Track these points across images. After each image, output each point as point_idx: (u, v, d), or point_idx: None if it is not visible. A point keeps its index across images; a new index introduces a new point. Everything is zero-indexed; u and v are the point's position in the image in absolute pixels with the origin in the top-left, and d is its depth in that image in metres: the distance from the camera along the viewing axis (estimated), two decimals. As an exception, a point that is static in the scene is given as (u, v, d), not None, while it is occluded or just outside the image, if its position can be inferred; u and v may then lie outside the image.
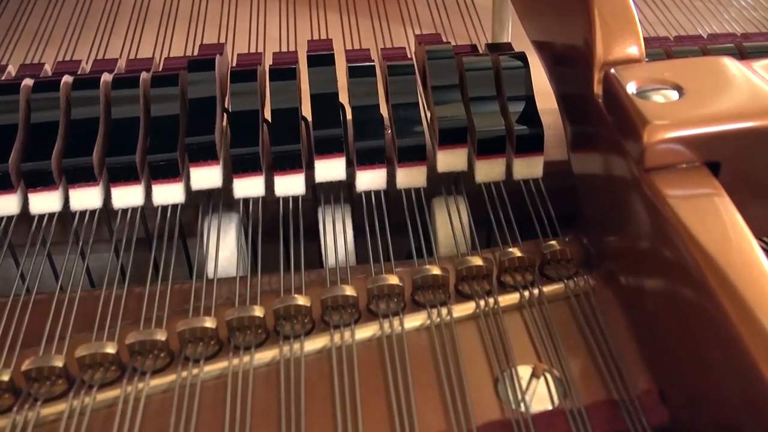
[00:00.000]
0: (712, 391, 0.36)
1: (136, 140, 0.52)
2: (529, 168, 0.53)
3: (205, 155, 0.51)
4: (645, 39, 0.47)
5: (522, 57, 0.55)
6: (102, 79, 0.54)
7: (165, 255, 0.51)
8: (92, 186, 0.51)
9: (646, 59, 0.46)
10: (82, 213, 0.52)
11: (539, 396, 0.40)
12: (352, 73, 0.55)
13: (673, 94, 0.42)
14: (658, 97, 0.42)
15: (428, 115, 0.56)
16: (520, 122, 0.53)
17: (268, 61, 0.57)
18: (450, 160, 0.54)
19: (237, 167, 0.52)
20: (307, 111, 0.54)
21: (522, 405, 0.40)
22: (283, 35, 0.75)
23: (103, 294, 0.47)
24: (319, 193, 0.55)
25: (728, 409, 0.35)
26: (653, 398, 0.40)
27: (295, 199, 0.53)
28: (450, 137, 0.53)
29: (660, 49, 0.58)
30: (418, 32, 0.62)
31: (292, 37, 0.74)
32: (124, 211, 0.52)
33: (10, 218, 0.52)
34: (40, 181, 0.51)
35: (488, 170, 0.53)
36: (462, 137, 0.53)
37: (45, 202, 0.51)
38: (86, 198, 0.52)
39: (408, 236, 0.51)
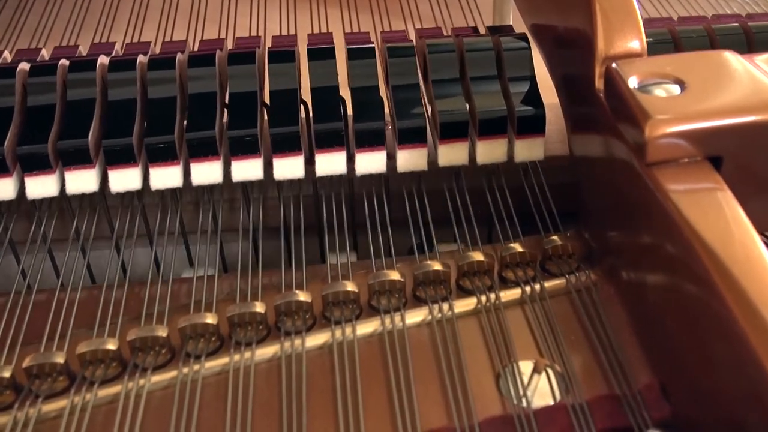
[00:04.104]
0: (714, 386, 0.36)
1: (133, 123, 0.51)
2: (530, 150, 0.53)
3: (205, 151, 0.51)
4: (648, 19, 0.46)
5: (523, 38, 0.55)
6: (99, 62, 0.53)
7: (166, 251, 0.50)
8: (88, 168, 0.51)
9: (650, 39, 0.46)
10: (83, 209, 0.52)
11: (541, 391, 0.40)
12: (352, 55, 0.54)
13: (675, 89, 0.42)
14: (659, 92, 0.42)
15: (429, 109, 0.56)
16: (521, 103, 0.52)
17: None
18: (451, 154, 0.53)
19: (235, 150, 0.51)
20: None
21: (524, 400, 0.40)
22: (283, 31, 0.75)
23: (103, 290, 0.47)
24: (319, 189, 0.55)
25: (731, 404, 0.35)
26: (655, 393, 0.40)
27: (296, 194, 0.53)
28: (451, 131, 0.53)
29: (664, 29, 0.57)
30: (418, 27, 0.62)
31: (293, 33, 0.74)
32: (125, 206, 0.52)
33: (10, 215, 0.52)
34: (37, 164, 0.50)
35: (489, 151, 0.53)
36: (463, 131, 0.53)
37: (42, 186, 0.51)
38: (82, 181, 0.51)
39: (409, 231, 0.51)
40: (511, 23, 0.79)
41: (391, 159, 0.54)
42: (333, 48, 0.54)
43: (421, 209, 0.52)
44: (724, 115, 0.40)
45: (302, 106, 0.54)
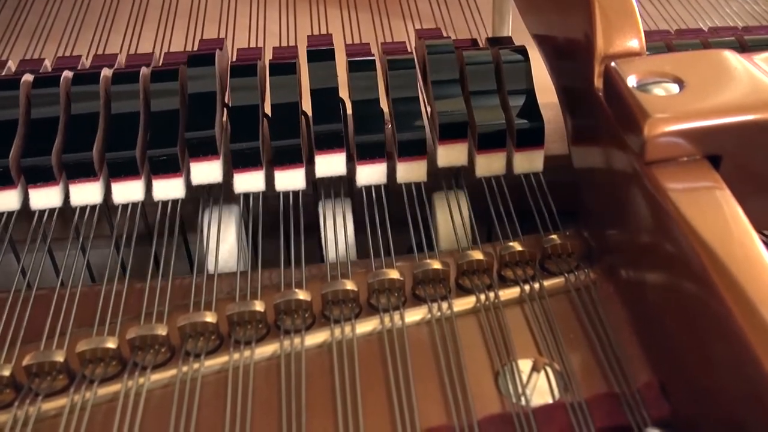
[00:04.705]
0: (713, 385, 0.36)
1: (136, 135, 0.52)
2: (529, 162, 0.53)
3: (205, 150, 0.51)
4: (645, 32, 0.47)
5: (522, 51, 0.55)
6: (102, 74, 0.54)
7: (165, 250, 0.50)
8: (92, 181, 0.51)
9: (647, 53, 0.46)
10: (83, 208, 0.52)
11: (540, 389, 0.40)
12: (352, 67, 0.55)
13: (674, 87, 0.42)
14: (658, 90, 0.42)
15: (429, 110, 0.56)
16: (520, 116, 0.53)
17: (268, 56, 0.57)
18: (450, 154, 0.54)
19: (237, 162, 0.52)
20: (307, 107, 0.54)
21: (523, 398, 0.40)
22: (283, 31, 0.75)
23: (103, 289, 0.47)
24: (319, 188, 0.55)
25: (730, 403, 0.35)
26: (654, 392, 0.40)
27: (296, 193, 0.53)
28: (450, 132, 0.53)
29: (661, 42, 0.58)
30: (418, 27, 0.62)
31: (292, 33, 0.74)
32: (125, 206, 0.52)
33: (10, 213, 0.52)
34: (41, 176, 0.51)
35: (488, 164, 0.53)
36: (462, 132, 0.53)
37: (45, 198, 0.51)
38: (86, 193, 0.52)
39: (408, 231, 0.51)
40: (510, 22, 0.80)
41: (391, 159, 0.54)
42: (332, 50, 0.55)
43: (420, 208, 0.52)
44: (723, 113, 0.40)
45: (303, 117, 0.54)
